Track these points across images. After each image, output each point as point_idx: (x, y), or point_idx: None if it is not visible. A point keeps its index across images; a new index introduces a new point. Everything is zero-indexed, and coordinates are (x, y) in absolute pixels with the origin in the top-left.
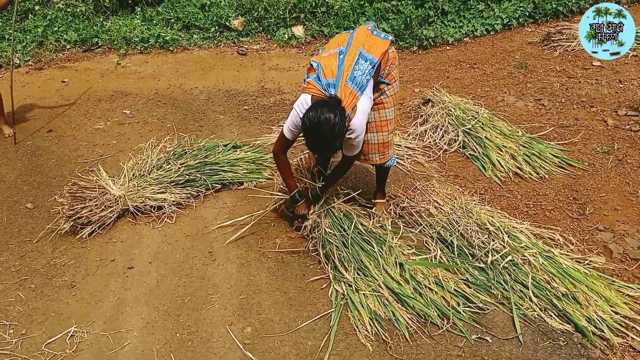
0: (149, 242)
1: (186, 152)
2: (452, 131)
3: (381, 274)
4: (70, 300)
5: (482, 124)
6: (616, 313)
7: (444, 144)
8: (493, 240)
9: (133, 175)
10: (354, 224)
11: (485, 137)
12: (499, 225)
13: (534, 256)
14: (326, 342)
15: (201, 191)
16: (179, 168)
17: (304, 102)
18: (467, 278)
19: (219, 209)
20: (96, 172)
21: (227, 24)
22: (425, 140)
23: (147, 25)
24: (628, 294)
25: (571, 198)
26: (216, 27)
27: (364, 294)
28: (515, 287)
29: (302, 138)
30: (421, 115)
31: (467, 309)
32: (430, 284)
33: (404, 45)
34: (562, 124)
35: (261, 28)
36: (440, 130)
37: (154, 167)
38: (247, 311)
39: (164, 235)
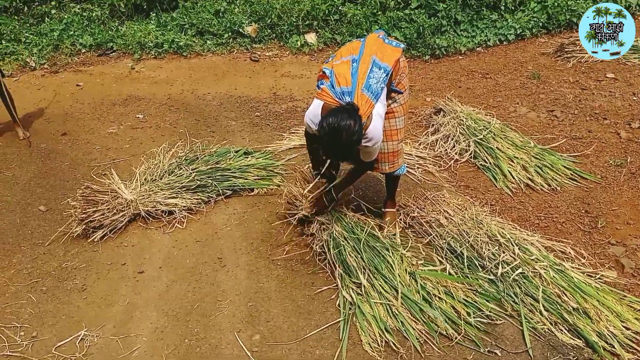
0: (160, 246)
1: (198, 158)
2: (464, 141)
3: (395, 281)
4: (80, 304)
5: (494, 134)
6: (627, 328)
7: (455, 153)
8: (503, 252)
9: (145, 179)
10: (367, 229)
11: (496, 147)
12: (510, 237)
13: (545, 269)
14: (334, 352)
15: (212, 197)
16: (190, 173)
17: (316, 108)
18: (477, 289)
19: (229, 215)
20: (109, 175)
21: (241, 30)
22: (436, 149)
23: (162, 30)
24: (639, 310)
25: (583, 211)
26: (229, 34)
27: (374, 302)
28: (525, 300)
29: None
30: (432, 125)
31: (477, 319)
32: (440, 294)
33: (416, 54)
34: (574, 135)
35: (274, 35)
36: (452, 140)
37: (165, 172)
38: (256, 318)
39: (175, 240)
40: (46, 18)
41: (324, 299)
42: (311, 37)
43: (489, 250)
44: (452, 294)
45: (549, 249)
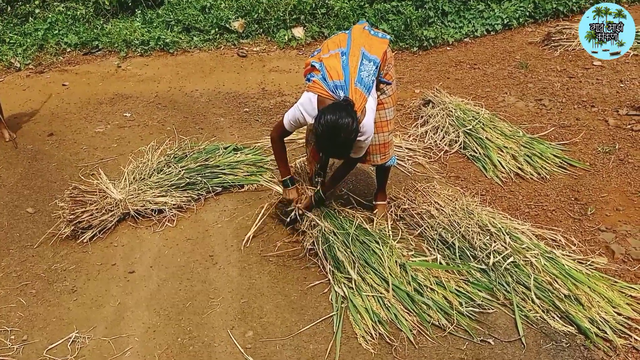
0: (150, 246)
1: (187, 155)
2: (453, 132)
3: (385, 274)
4: (71, 306)
5: (483, 124)
6: (619, 314)
7: (445, 145)
8: (495, 242)
9: (134, 178)
10: (356, 222)
11: (486, 137)
12: (501, 227)
13: (536, 257)
14: (327, 346)
15: (202, 194)
16: (180, 171)
17: (309, 101)
18: (469, 279)
19: (219, 212)
20: (97, 175)
21: (227, 26)
22: (426, 141)
23: (147, 27)
24: (630, 295)
25: (573, 198)
26: (216, 29)
27: (365, 295)
28: (517, 288)
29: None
30: (422, 116)
31: (470, 309)
32: (431, 285)
33: (404, 46)
34: (563, 124)
35: (261, 30)
36: (441, 131)
37: (154, 170)
38: (249, 315)
39: (165, 239)
40: (30, 17)
41: (317, 294)
42: (298, 32)
43: (480, 240)
44: (443, 284)
45: (539, 237)
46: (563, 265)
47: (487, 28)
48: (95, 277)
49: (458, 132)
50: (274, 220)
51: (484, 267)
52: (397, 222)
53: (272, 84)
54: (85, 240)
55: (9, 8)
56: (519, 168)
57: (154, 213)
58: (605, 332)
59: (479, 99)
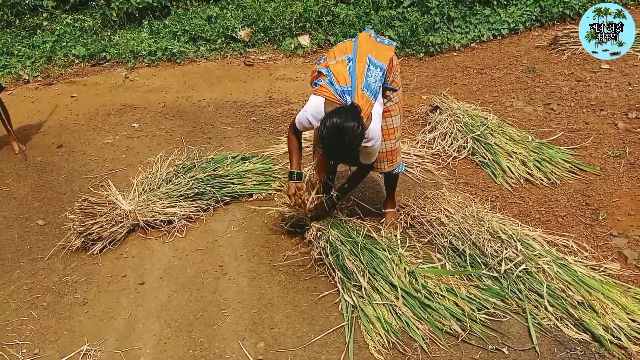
0: (160, 256)
1: (195, 165)
2: (461, 138)
3: (395, 282)
4: (82, 318)
5: (491, 130)
6: (633, 320)
7: (453, 151)
8: (506, 249)
9: (143, 189)
10: (363, 232)
11: (494, 143)
12: (512, 233)
13: (548, 264)
14: (340, 357)
15: (211, 204)
16: (188, 181)
17: (316, 105)
18: (480, 286)
19: (228, 221)
20: (106, 187)
21: (234, 35)
22: (434, 147)
23: (155, 38)
24: None
25: (584, 204)
26: (223, 39)
27: (376, 304)
28: (530, 296)
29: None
30: (429, 123)
31: (482, 316)
32: (442, 292)
33: (411, 52)
34: (572, 128)
35: (267, 38)
36: (449, 137)
37: (163, 181)
38: (259, 326)
39: (175, 249)
40: (38, 30)
41: (327, 304)
42: (304, 40)
43: (491, 247)
44: (454, 291)
45: (551, 243)
46: (576, 271)
47: (494, 33)
48: (106, 289)
49: (466, 138)
50: (282, 229)
51: (495, 274)
52: (407, 230)
53: (279, 92)
54: (95, 252)
55: (17, 21)
56: (529, 173)
57: (164, 224)
58: (620, 339)
59: (487, 104)
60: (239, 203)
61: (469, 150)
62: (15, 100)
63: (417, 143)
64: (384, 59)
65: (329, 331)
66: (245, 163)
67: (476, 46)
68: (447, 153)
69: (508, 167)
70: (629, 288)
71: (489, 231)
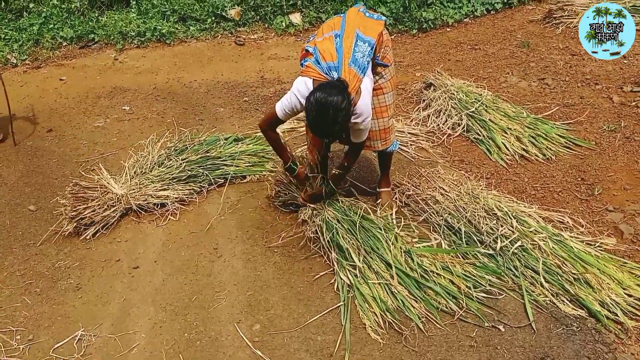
0: (154, 240)
1: (187, 147)
2: (456, 115)
3: (390, 261)
4: (76, 303)
5: (486, 106)
6: (629, 295)
7: (448, 128)
8: (501, 226)
9: (134, 173)
10: (360, 211)
11: (489, 119)
12: (507, 210)
13: (544, 240)
14: (336, 337)
15: (204, 186)
16: (181, 164)
17: (304, 86)
18: (476, 263)
19: (222, 203)
20: (97, 171)
21: (224, 14)
22: (428, 125)
23: (143, 18)
24: None
25: (579, 179)
26: (213, 18)
27: (372, 283)
28: (526, 272)
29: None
30: (423, 100)
31: (478, 294)
32: (438, 270)
33: (404, 29)
34: (567, 103)
35: (258, 17)
36: (444, 114)
37: (155, 164)
38: (255, 308)
39: (168, 233)
40: (25, 12)
41: (323, 284)
42: (296, 17)
43: (486, 224)
44: (450, 269)
45: (547, 219)
46: (571, 247)
47: (487, 7)
48: (100, 273)
49: (461, 115)
50: (277, 210)
51: (491, 252)
52: (402, 209)
53: (271, 71)
54: (88, 237)
55: (3, 3)
56: (524, 149)
57: (157, 207)
58: (616, 315)
59: (481, 80)
60: (233, 185)
61: (463, 127)
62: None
63: (411, 121)
64: (372, 33)
65: (325, 312)
66: (238, 144)
67: (470, 21)
68: (442, 130)
69: (503, 143)
70: (625, 263)
71: (484, 208)
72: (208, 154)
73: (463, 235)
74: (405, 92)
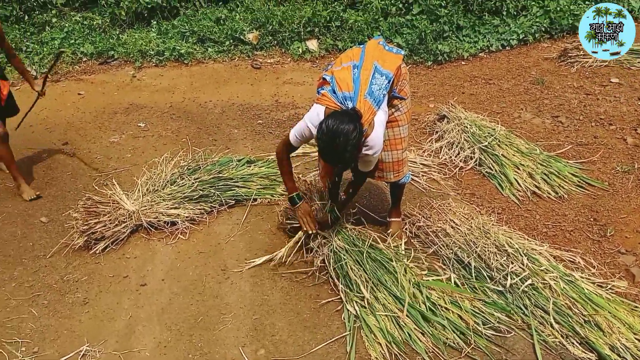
0: (162, 258)
1: (200, 167)
2: (468, 148)
3: (398, 293)
4: (82, 318)
5: (499, 141)
6: None
7: (460, 161)
8: (512, 263)
9: (147, 190)
10: (369, 241)
11: (502, 154)
12: (518, 247)
13: (555, 280)
14: None
15: (215, 207)
16: (193, 183)
17: (316, 114)
18: (485, 300)
19: (232, 225)
20: (110, 186)
21: (242, 37)
22: (440, 157)
23: (163, 38)
24: None
25: (591, 219)
26: (231, 41)
27: (378, 314)
28: (535, 312)
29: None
30: (436, 132)
31: (487, 330)
32: (446, 304)
33: (419, 60)
34: (580, 142)
35: (275, 42)
36: (456, 147)
37: (167, 182)
38: (261, 332)
39: (177, 251)
40: (47, 27)
41: (330, 312)
42: (312, 44)
43: (497, 260)
44: (459, 304)
45: (558, 258)
46: (582, 288)
47: (503, 43)
48: (107, 289)
49: (474, 149)
50: (286, 234)
51: (501, 288)
52: (412, 240)
53: (286, 96)
54: (97, 252)
55: (26, 17)
56: (536, 186)
57: (167, 225)
58: None
59: (495, 115)
60: (243, 206)
61: (475, 161)
62: (23, 96)
63: (423, 152)
64: (391, 67)
65: (331, 340)
66: (250, 166)
67: (485, 56)
68: (454, 163)
69: (515, 179)
70: (636, 307)
71: (495, 244)
72: (220, 175)
73: (473, 270)
74: (419, 122)
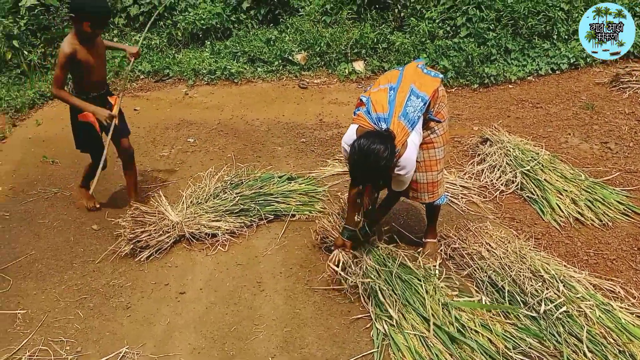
0: (202, 268)
1: (242, 182)
2: (510, 172)
3: (427, 313)
4: (124, 321)
5: (542, 165)
6: None
7: (501, 184)
8: (547, 289)
9: (191, 202)
10: (398, 260)
11: (544, 179)
12: (554, 273)
13: (591, 308)
14: None
15: (254, 221)
16: (235, 197)
17: (351, 134)
18: (517, 324)
19: (270, 239)
20: (157, 198)
21: (290, 58)
22: (481, 179)
23: (215, 58)
24: None
25: (636, 248)
26: (279, 61)
27: (407, 333)
28: (569, 339)
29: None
30: (478, 154)
31: (517, 355)
32: (476, 327)
33: (465, 83)
34: (629, 169)
35: (323, 63)
36: (498, 170)
37: (211, 195)
38: (291, 344)
39: (216, 262)
40: None
41: (359, 328)
42: (359, 65)
43: (532, 286)
44: (489, 327)
45: (597, 287)
46: (619, 318)
47: (552, 67)
48: (149, 295)
49: (515, 172)
50: (321, 251)
51: (534, 314)
52: (446, 261)
53: (330, 115)
54: (142, 259)
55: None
56: (579, 213)
57: (208, 237)
58: None
59: (540, 139)
60: (282, 222)
61: (517, 185)
62: None
63: (464, 174)
64: (427, 90)
65: (359, 356)
66: (290, 183)
67: (533, 79)
68: (495, 186)
69: (557, 204)
70: None
71: (530, 269)
72: (261, 190)
73: (506, 295)
74: (461, 145)
